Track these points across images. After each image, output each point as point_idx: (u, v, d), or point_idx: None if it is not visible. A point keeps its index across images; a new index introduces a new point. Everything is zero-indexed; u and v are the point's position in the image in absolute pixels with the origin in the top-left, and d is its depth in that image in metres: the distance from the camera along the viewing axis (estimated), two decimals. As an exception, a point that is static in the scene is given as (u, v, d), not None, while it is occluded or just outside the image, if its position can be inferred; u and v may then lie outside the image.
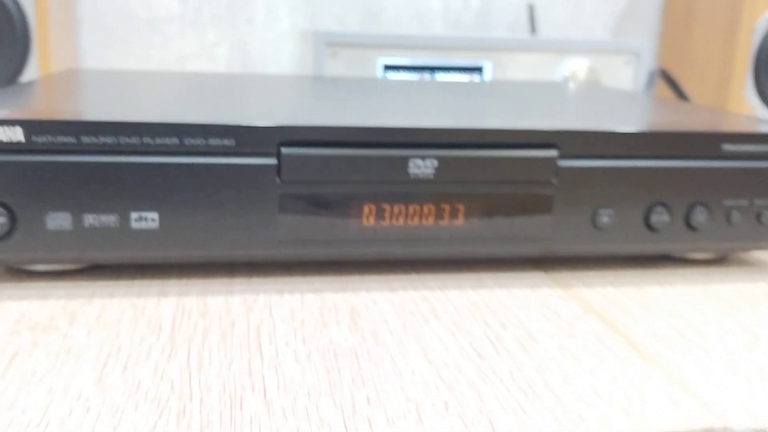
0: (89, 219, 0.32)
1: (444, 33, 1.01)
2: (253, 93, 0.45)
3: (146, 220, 0.33)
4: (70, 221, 0.32)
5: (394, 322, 0.32)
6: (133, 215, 0.33)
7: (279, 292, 0.34)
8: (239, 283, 0.35)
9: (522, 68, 0.81)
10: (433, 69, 0.78)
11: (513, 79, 0.80)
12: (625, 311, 0.34)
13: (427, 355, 0.29)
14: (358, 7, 1.03)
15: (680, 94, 0.77)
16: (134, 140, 0.32)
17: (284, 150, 0.33)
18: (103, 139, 0.32)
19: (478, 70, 0.80)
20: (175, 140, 0.32)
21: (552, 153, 0.36)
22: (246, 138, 0.33)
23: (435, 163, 0.35)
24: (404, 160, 0.34)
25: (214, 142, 0.33)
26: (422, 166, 0.35)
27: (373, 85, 0.53)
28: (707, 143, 0.38)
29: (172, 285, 0.35)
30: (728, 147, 0.38)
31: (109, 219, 0.33)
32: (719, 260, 0.42)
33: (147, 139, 0.32)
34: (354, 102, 0.42)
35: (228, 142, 0.33)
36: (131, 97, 0.40)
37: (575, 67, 0.79)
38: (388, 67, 0.77)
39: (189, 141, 0.32)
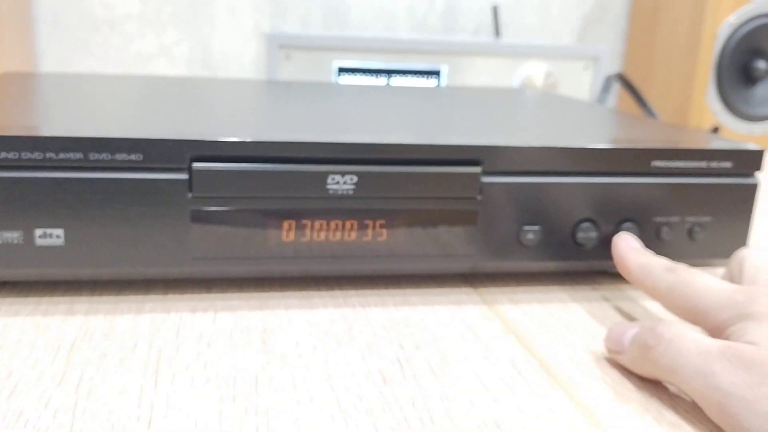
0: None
1: (403, 36, 1.00)
2: (176, 101, 0.43)
3: (51, 236, 0.32)
4: (-29, 238, 0.31)
5: (306, 343, 0.31)
6: (38, 232, 0.32)
7: (192, 310, 0.34)
8: (152, 300, 0.34)
9: (481, 72, 0.80)
10: (389, 72, 0.78)
11: (468, 84, 0.80)
12: (547, 331, 0.33)
13: (331, 380, 0.28)
14: (321, 7, 1.02)
15: (639, 100, 0.76)
16: (36, 155, 0.31)
17: (195, 165, 0.32)
18: (4, 155, 0.31)
19: (435, 74, 0.79)
20: (79, 155, 0.31)
21: (475, 169, 0.35)
22: (154, 153, 0.32)
23: (354, 178, 0.34)
24: (323, 176, 0.34)
25: (120, 157, 0.32)
26: (341, 182, 0.34)
27: (315, 92, 0.53)
28: (636, 159, 0.37)
29: (82, 302, 0.34)
30: (658, 163, 0.37)
31: (13, 236, 0.31)
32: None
33: (50, 154, 0.31)
34: (282, 111, 0.42)
35: (135, 156, 0.32)
36: (49, 107, 0.39)
37: (532, 72, 0.78)
38: (342, 70, 0.76)
39: (94, 156, 0.31)
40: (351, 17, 1.04)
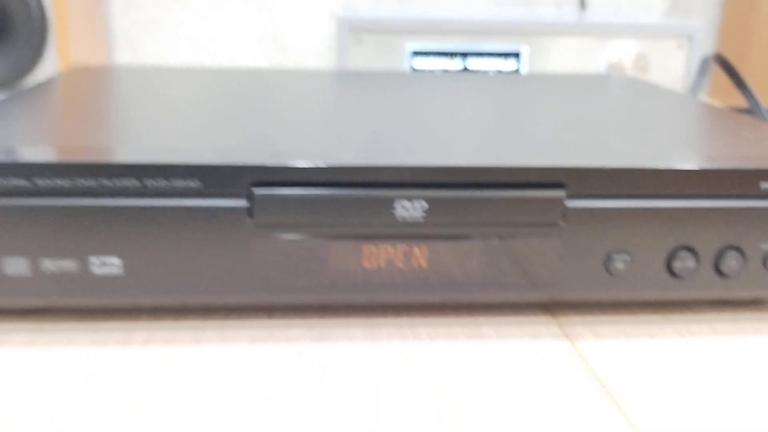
0: (47, 264, 0.30)
1: (480, 15, 0.96)
2: (239, 111, 0.41)
3: (107, 265, 0.31)
4: (27, 266, 0.30)
5: (367, 380, 0.29)
6: (94, 260, 0.30)
7: (251, 340, 0.32)
8: (212, 327, 0.33)
9: (564, 53, 0.75)
10: (465, 54, 0.74)
11: (551, 67, 0.75)
12: (628, 378, 0.30)
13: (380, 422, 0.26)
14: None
15: (741, 87, 0.70)
16: (91, 182, 0.30)
17: (257, 191, 0.30)
18: (58, 182, 0.29)
19: (515, 55, 0.75)
20: (135, 182, 0.30)
21: (558, 193, 0.32)
22: (213, 179, 0.30)
23: (424, 204, 0.31)
24: (389, 202, 0.31)
25: (177, 183, 0.30)
26: (411, 207, 0.31)
27: (384, 87, 0.50)
28: (742, 182, 0.33)
29: (141, 329, 0.32)
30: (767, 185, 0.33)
31: (68, 264, 0.30)
32: (759, 302, 0.38)
33: (105, 181, 0.30)
34: (347, 120, 0.39)
35: (194, 183, 0.30)
36: (115, 120, 0.37)
37: (622, 53, 0.73)
38: (416, 53, 0.72)
39: (150, 183, 0.30)
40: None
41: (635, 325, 0.35)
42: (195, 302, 0.32)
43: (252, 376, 0.29)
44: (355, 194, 0.31)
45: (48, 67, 0.68)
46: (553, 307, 0.36)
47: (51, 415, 0.26)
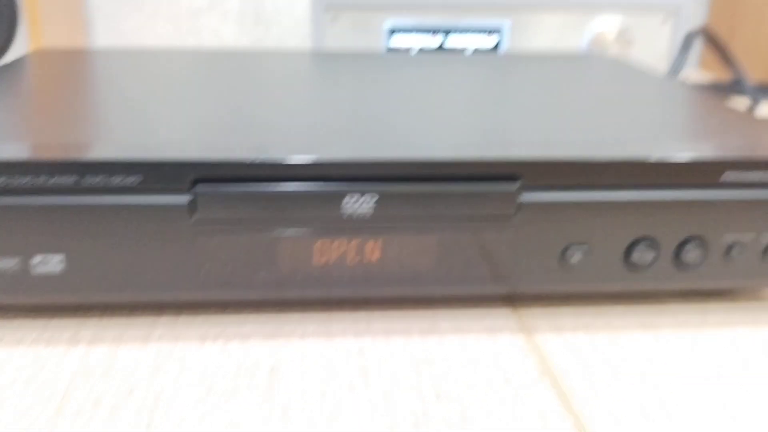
0: (-12, 263, 0.30)
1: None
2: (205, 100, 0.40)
3: (49, 263, 0.30)
4: (-33, 266, 0.30)
5: (314, 390, 0.28)
6: (36, 258, 0.30)
7: (201, 338, 0.31)
8: (162, 324, 0.32)
9: (546, 29, 0.73)
10: (446, 31, 0.72)
11: (532, 46, 0.73)
12: (588, 373, 0.30)
13: (334, 442, 0.25)
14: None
15: (727, 61, 0.68)
16: (28, 180, 0.29)
17: (199, 188, 0.29)
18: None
19: (496, 31, 0.73)
20: (73, 178, 0.29)
21: (512, 186, 0.31)
22: (153, 175, 0.29)
23: (375, 198, 0.30)
24: (339, 197, 0.30)
25: (116, 180, 0.29)
26: (360, 202, 0.30)
27: (356, 71, 0.48)
28: (704, 172, 0.32)
29: (90, 326, 0.32)
30: (730, 176, 0.32)
31: (9, 263, 0.30)
32: (721, 293, 0.37)
33: (43, 178, 0.29)
34: (315, 109, 0.38)
35: (134, 179, 0.29)
36: (61, 111, 0.36)
37: (604, 28, 0.71)
38: (394, 31, 0.71)
39: (89, 180, 0.29)
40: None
41: (596, 316, 0.34)
42: (145, 299, 0.32)
43: (202, 374, 0.29)
44: (302, 190, 0.30)
45: (19, 51, 0.67)
46: (513, 299, 0.35)
47: (-14, 421, 0.26)
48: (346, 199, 0.30)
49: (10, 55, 0.67)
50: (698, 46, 0.87)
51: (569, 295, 0.35)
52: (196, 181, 0.29)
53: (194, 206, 0.29)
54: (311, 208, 0.30)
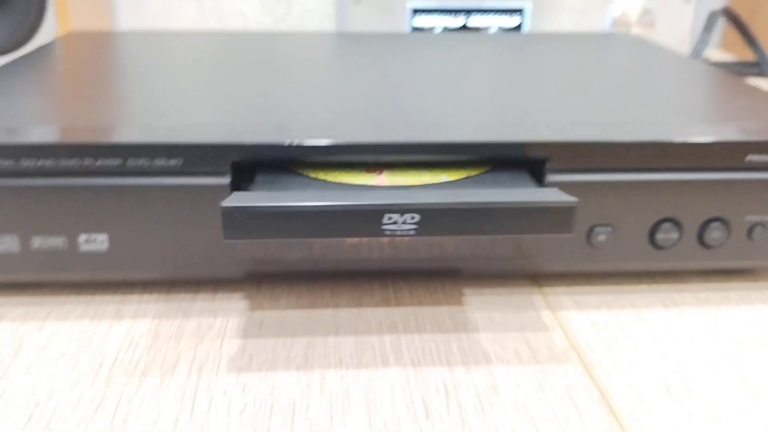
0: (37, 241, 0.31)
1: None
2: (232, 84, 0.41)
3: (95, 242, 0.31)
4: (18, 243, 0.31)
5: (349, 361, 0.29)
6: (82, 237, 0.31)
7: (239, 312, 0.33)
8: (201, 300, 0.34)
9: (568, 8, 0.73)
10: (468, 12, 0.72)
11: (554, 26, 0.73)
12: (612, 350, 0.31)
13: (370, 412, 0.27)
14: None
15: (749, 40, 0.68)
16: (74, 162, 0.30)
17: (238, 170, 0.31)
18: (42, 162, 0.30)
19: (518, 11, 0.73)
20: (118, 161, 0.30)
21: (540, 168, 0.32)
22: (194, 158, 0.30)
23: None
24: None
25: (160, 162, 0.30)
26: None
27: (377, 54, 0.49)
28: (727, 154, 0.33)
29: (132, 302, 0.33)
30: (754, 158, 0.33)
31: (57, 241, 0.31)
32: (742, 272, 0.38)
33: (88, 161, 0.30)
34: (335, 97, 0.39)
35: (176, 161, 0.30)
36: (101, 94, 0.38)
37: (627, 8, 0.71)
38: (417, 11, 0.71)
39: (132, 162, 0.30)
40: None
41: (620, 295, 0.35)
42: (183, 277, 0.33)
43: (241, 346, 0.30)
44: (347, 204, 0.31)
45: (48, 32, 0.68)
46: (539, 278, 0.36)
47: (49, 389, 0.27)
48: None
49: (39, 37, 0.69)
50: (720, 27, 0.86)
51: (593, 274, 0.36)
52: (235, 164, 0.30)
53: (235, 188, 0.31)
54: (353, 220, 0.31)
